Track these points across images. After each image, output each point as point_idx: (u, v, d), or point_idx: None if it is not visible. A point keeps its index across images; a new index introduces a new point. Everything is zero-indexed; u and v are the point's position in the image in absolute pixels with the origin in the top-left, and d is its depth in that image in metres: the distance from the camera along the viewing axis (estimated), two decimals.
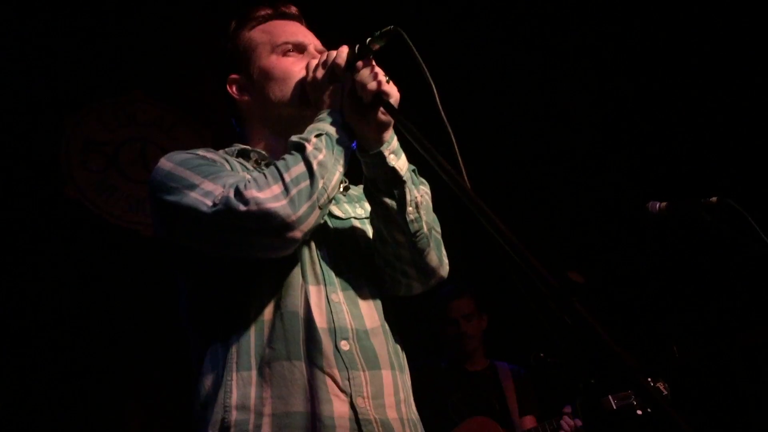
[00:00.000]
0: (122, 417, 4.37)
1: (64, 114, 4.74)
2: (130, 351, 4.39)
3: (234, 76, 2.03)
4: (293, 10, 2.09)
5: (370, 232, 1.98)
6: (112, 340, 4.37)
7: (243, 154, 1.97)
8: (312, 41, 2.05)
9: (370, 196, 1.88)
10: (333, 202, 1.99)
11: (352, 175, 2.00)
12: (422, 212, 1.88)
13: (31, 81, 4.54)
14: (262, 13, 2.07)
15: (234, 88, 2.03)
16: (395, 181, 1.83)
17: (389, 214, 1.84)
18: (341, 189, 2.08)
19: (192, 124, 5.02)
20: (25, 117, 4.51)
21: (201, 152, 1.86)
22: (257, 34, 2.04)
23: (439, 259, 1.95)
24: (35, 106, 4.55)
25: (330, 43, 1.92)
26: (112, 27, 4.72)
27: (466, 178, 1.40)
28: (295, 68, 1.97)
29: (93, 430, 4.23)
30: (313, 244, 1.86)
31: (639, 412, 3.87)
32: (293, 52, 2.00)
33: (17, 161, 4.47)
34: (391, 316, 1.94)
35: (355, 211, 2.04)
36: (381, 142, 1.81)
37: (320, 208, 1.68)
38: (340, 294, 1.84)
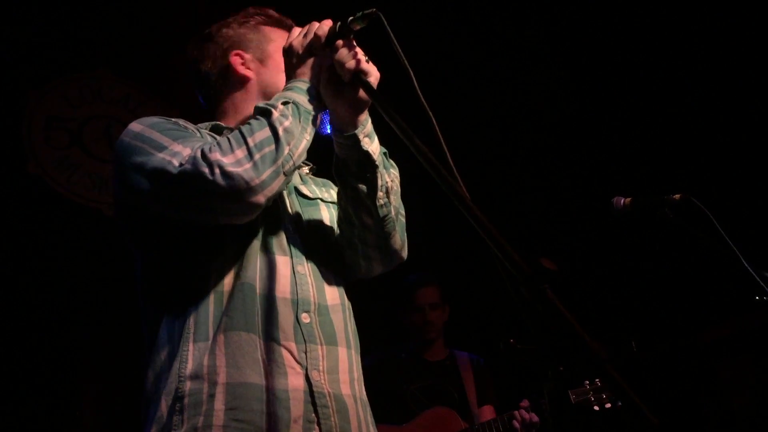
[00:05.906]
0: (79, 395, 4.32)
1: (27, 89, 4.65)
2: (89, 330, 4.34)
3: (241, 52, 2.04)
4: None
5: (335, 217, 1.99)
6: (70, 319, 4.31)
7: (216, 129, 1.95)
8: None
9: (341, 177, 1.88)
10: (301, 182, 2.01)
11: (320, 160, 2.00)
12: (392, 197, 1.89)
13: None
14: (277, 16, 2.10)
15: (238, 61, 2.02)
16: (368, 165, 1.83)
17: (359, 196, 1.85)
18: (307, 171, 2.11)
19: (159, 104, 4.95)
20: None
21: (173, 119, 1.85)
22: (273, 32, 2.07)
23: (402, 242, 1.98)
24: None
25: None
26: (81, 3, 4.64)
27: (450, 161, 1.39)
28: None
29: (48, 408, 4.17)
30: (279, 219, 1.86)
31: (596, 408, 3.89)
32: None
33: None
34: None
35: (323, 194, 2.05)
36: (356, 124, 1.81)
37: (285, 174, 1.68)
38: (307, 266, 1.85)
